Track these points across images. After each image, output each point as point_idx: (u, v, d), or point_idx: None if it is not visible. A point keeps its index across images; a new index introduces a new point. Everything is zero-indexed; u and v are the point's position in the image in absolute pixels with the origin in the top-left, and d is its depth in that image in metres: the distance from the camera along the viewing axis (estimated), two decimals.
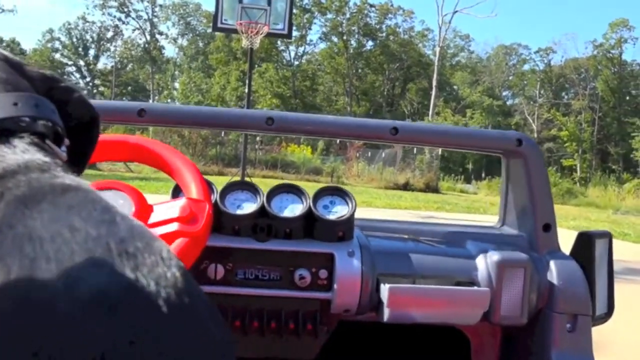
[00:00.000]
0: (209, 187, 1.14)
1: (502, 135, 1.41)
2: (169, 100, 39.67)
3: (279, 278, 1.20)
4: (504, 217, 1.49)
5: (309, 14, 37.80)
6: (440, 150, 19.83)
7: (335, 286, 1.19)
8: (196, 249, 0.99)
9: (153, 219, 1.01)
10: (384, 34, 39.18)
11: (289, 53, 39.94)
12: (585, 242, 1.36)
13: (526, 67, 41.63)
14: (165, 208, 1.02)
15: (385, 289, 1.17)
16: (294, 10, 36.19)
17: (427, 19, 66.04)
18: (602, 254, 1.36)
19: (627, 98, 38.32)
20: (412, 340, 1.54)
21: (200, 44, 41.45)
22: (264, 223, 1.21)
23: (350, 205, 1.26)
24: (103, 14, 37.49)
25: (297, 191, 1.26)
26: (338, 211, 1.25)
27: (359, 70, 39.40)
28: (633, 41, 37.64)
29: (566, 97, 39.99)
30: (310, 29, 39.00)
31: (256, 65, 36.15)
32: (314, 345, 1.27)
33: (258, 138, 19.66)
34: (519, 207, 1.42)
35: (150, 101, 36.98)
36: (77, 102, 0.65)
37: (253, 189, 1.25)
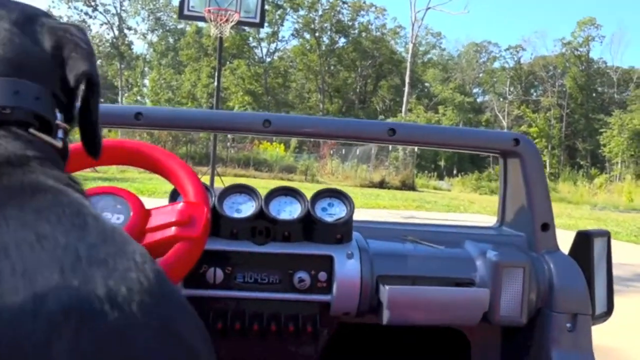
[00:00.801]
0: (206, 190, 1.14)
1: (500, 135, 1.42)
2: (138, 98, 38.90)
3: (278, 281, 1.20)
4: (502, 217, 1.48)
5: (281, 10, 37.48)
6: (416, 147, 19.84)
7: (334, 289, 1.19)
8: (195, 252, 0.98)
9: (151, 223, 1.00)
10: (357, 31, 39.14)
11: (261, 49, 39.62)
12: (584, 241, 1.35)
13: (496, 64, 42.16)
14: (163, 212, 1.01)
15: (384, 291, 1.16)
16: (266, 7, 35.97)
17: (399, 16, 66.46)
18: (601, 253, 1.36)
19: (594, 95, 39.09)
20: (412, 341, 1.54)
21: (171, 40, 40.67)
22: (262, 226, 1.20)
23: (348, 207, 1.25)
24: (69, 7, 36.45)
25: (295, 194, 1.26)
26: (336, 213, 1.24)
27: (332, 67, 39.29)
28: (600, 39, 38.46)
29: (535, 94, 40.58)
30: (282, 25, 38.69)
31: (227, 62, 35.75)
32: (315, 348, 1.27)
33: (230, 136, 19.36)
34: (517, 207, 1.41)
35: (119, 99, 36.23)
36: (73, 61, 0.60)
37: (251, 192, 1.25)
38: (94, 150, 0.63)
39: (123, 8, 37.61)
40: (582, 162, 36.11)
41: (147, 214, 1.02)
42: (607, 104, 38.55)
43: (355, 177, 19.46)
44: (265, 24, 38.11)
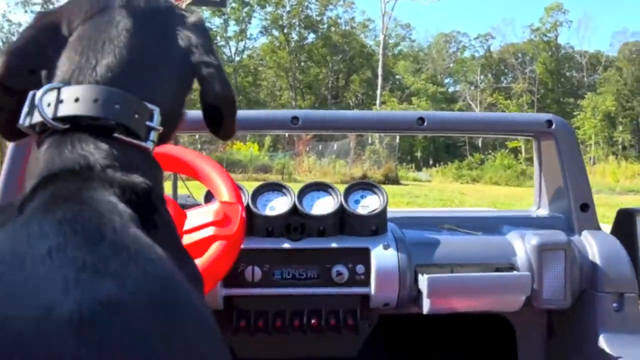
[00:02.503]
0: (239, 189, 1.15)
1: (532, 117, 1.43)
2: None
3: (317, 276, 1.20)
4: (540, 200, 1.46)
5: (248, 7, 36.84)
6: (398, 138, 19.47)
7: (373, 281, 1.18)
8: (233, 251, 1.00)
9: (188, 225, 1.01)
10: (325, 26, 38.72)
11: (229, 48, 38.91)
12: (627, 219, 1.36)
13: (467, 53, 42.18)
14: (199, 213, 1.03)
15: (424, 280, 1.15)
16: (232, 4, 35.35)
17: (368, 9, 66.26)
18: None
19: (563, 80, 39.40)
20: (455, 330, 1.53)
21: None
22: (296, 222, 1.21)
23: (381, 198, 1.25)
24: (26, 12, 35.18)
25: (327, 188, 1.26)
26: (370, 205, 1.24)
27: (302, 64, 38.85)
28: (568, 24, 38.74)
29: (505, 81, 40.73)
30: (250, 22, 38.06)
31: None
32: (356, 341, 1.27)
33: (197, 137, 18.77)
34: (554, 189, 1.40)
35: None
36: (206, 83, 0.64)
37: (283, 189, 1.25)
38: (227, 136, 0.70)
39: None
40: None
41: (183, 215, 1.03)
42: (577, 88, 38.91)
43: (334, 173, 18.92)
44: (233, 22, 37.76)
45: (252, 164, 19.97)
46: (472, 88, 40.21)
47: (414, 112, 1.36)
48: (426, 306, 1.16)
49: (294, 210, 1.21)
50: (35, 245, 0.42)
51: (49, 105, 0.53)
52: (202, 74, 0.63)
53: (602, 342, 1.20)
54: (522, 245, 1.23)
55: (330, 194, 1.25)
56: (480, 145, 35.34)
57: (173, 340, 0.41)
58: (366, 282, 1.19)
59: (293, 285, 1.19)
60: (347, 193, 1.25)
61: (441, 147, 35.45)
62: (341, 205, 1.21)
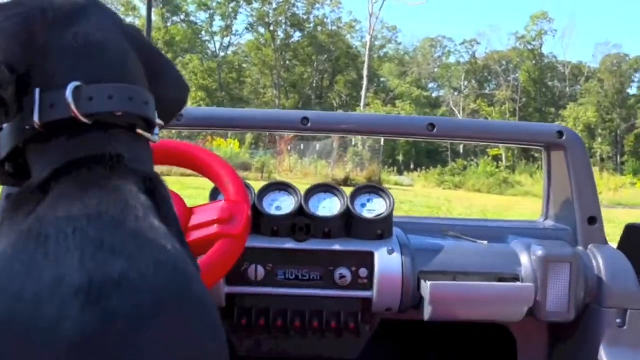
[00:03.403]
0: (246, 188, 1.15)
1: (543, 128, 1.43)
2: None
3: (320, 278, 1.21)
4: (547, 211, 1.45)
5: (234, 3, 36.42)
6: (382, 141, 19.27)
7: (376, 285, 1.19)
8: (237, 249, 1.00)
9: (193, 221, 1.02)
10: (312, 25, 38.47)
11: (214, 44, 38.46)
12: (634, 235, 1.37)
13: (452, 59, 42.29)
14: (205, 210, 1.03)
15: (426, 287, 1.15)
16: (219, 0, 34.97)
17: (355, 9, 66.05)
18: None
19: (544, 89, 39.74)
20: (456, 338, 1.53)
21: None
22: (302, 223, 1.21)
23: (388, 203, 1.24)
24: None
25: (334, 190, 1.26)
26: (376, 209, 1.24)
27: (287, 62, 38.55)
28: (552, 33, 39.05)
29: (488, 88, 40.94)
30: (235, 18, 37.65)
31: (179, 57, 34.54)
32: (357, 344, 1.27)
33: (174, 132, 18.39)
34: (562, 201, 1.39)
35: None
36: (174, 82, 0.70)
37: (290, 189, 1.26)
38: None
39: None
40: (536, 155, 36.63)
41: (189, 212, 1.04)
42: (559, 98, 39.27)
43: (316, 173, 18.54)
44: (218, 18, 37.36)
45: (232, 161, 19.57)
46: (456, 94, 40.33)
47: (425, 117, 1.36)
48: (428, 313, 1.16)
49: (299, 211, 1.21)
50: (61, 226, 0.46)
51: (76, 101, 0.56)
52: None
53: (604, 357, 1.19)
54: (527, 256, 1.22)
55: (337, 196, 1.25)
56: (461, 151, 35.43)
57: (173, 326, 0.44)
58: (369, 286, 1.19)
59: (296, 286, 1.20)
60: (354, 196, 1.25)
61: (423, 152, 35.46)
62: (347, 208, 1.22)
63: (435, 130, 1.27)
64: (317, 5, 38.10)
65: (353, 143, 20.14)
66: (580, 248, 1.29)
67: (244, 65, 39.24)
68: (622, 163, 35.50)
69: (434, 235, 1.32)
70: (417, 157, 35.71)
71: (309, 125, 1.27)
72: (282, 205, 1.23)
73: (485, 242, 1.29)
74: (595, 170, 22.81)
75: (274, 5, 36.91)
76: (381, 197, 1.26)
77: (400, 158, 34.92)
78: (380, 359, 1.49)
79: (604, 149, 35.72)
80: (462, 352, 1.58)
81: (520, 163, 29.85)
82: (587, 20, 56.61)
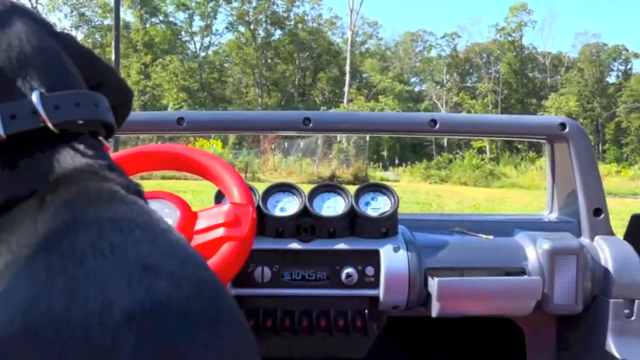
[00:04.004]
0: (250, 190, 1.15)
1: (545, 120, 1.46)
2: None
3: (326, 277, 1.21)
4: (552, 203, 1.46)
5: (213, 2, 36.14)
6: (368, 136, 19.14)
7: (382, 283, 1.19)
8: (243, 252, 1.01)
9: (199, 225, 1.02)
10: (292, 23, 38.32)
11: (194, 44, 38.12)
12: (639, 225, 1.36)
13: (433, 52, 42.39)
14: (210, 214, 1.03)
15: (433, 283, 1.16)
16: None
17: (335, 6, 66.05)
18: None
19: (525, 81, 40.02)
20: (464, 333, 1.54)
21: (98, 37, 38.41)
22: (307, 223, 1.22)
23: (392, 200, 1.25)
24: None
25: (338, 190, 1.27)
26: (380, 207, 1.24)
27: (269, 61, 38.41)
28: (532, 24, 39.32)
29: (470, 81, 41.13)
30: (215, 18, 37.38)
31: (159, 58, 34.16)
32: (365, 343, 1.28)
33: (157, 135, 18.09)
34: (566, 193, 1.39)
35: None
36: (115, 87, 0.66)
37: (294, 190, 1.26)
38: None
39: (39, 2, 35.06)
40: (519, 146, 36.87)
41: (194, 216, 1.04)
42: (539, 89, 39.57)
43: (301, 172, 18.39)
44: (198, 17, 37.01)
45: None
46: (438, 87, 40.45)
47: (427, 113, 1.35)
48: (435, 309, 1.17)
49: (304, 211, 1.22)
50: (95, 242, 0.44)
51: (39, 111, 0.53)
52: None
53: (613, 349, 1.19)
54: (534, 250, 1.22)
55: (341, 195, 1.26)
56: (445, 144, 35.53)
57: (223, 347, 0.43)
58: (375, 284, 1.20)
59: (302, 286, 1.20)
60: (358, 195, 1.25)
61: (407, 146, 35.52)
62: (352, 207, 1.22)
63: (438, 126, 1.27)
64: (297, 3, 37.98)
65: (338, 139, 20.02)
66: (586, 240, 1.29)
67: (225, 65, 39.01)
68: (604, 151, 35.91)
69: (439, 232, 1.32)
70: (401, 151, 35.77)
71: (311, 125, 1.27)
72: (286, 206, 1.24)
73: (491, 237, 1.29)
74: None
75: (254, 4, 36.70)
76: (385, 195, 1.26)
77: (385, 153, 34.95)
78: (388, 355, 1.49)
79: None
80: (470, 347, 1.58)
81: (504, 155, 30.00)
82: (567, 10, 57.21)
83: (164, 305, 0.41)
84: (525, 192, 15.51)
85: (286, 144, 21.29)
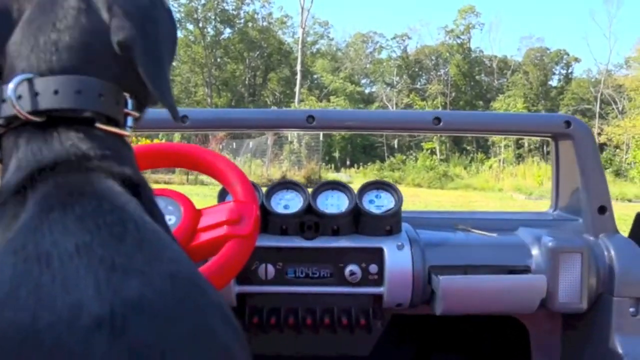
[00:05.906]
0: (254, 188, 1.15)
1: (550, 118, 1.50)
2: None
3: (330, 275, 1.21)
4: (556, 201, 1.44)
5: None
6: (321, 137, 18.73)
7: (386, 281, 1.19)
8: (247, 249, 1.01)
9: (202, 223, 1.03)
10: (242, 21, 37.58)
11: None
12: None
13: (384, 54, 42.56)
14: (214, 212, 1.04)
15: (437, 281, 1.16)
16: None
17: (285, 5, 65.39)
18: None
19: (472, 83, 40.72)
20: (469, 331, 1.54)
21: None
22: (311, 221, 1.22)
23: (396, 198, 1.25)
24: None
25: (342, 187, 1.27)
26: (384, 205, 1.25)
27: (218, 60, 37.48)
28: (480, 27, 40.03)
29: (420, 83, 41.51)
30: None
31: None
32: (369, 340, 1.30)
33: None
34: (571, 191, 1.38)
35: None
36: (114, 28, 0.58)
37: (298, 188, 1.27)
38: (173, 116, 0.63)
39: None
40: (468, 147, 37.44)
41: (198, 214, 1.04)
42: (487, 91, 40.34)
43: (250, 173, 17.68)
44: None
45: None
46: (389, 89, 40.61)
47: (430, 111, 1.42)
48: (439, 307, 1.16)
49: (308, 209, 1.22)
50: (60, 243, 0.42)
51: (20, 97, 0.51)
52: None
53: (618, 347, 1.18)
54: (538, 248, 1.22)
55: (345, 193, 1.25)
56: (396, 146, 35.67)
57: (204, 341, 0.41)
58: (379, 282, 1.19)
59: (306, 284, 1.20)
60: (362, 192, 1.25)
61: (358, 148, 35.42)
62: (355, 205, 1.22)
63: (442, 123, 1.27)
64: (247, 1, 37.29)
65: (289, 140, 19.53)
66: (591, 238, 1.29)
67: (173, 64, 37.84)
68: (548, 152, 36.91)
69: (443, 229, 1.32)
70: (353, 153, 35.64)
71: (315, 123, 1.27)
72: (290, 203, 1.24)
73: (495, 235, 1.29)
74: (536, 160, 23.31)
75: (203, 1, 35.76)
76: (389, 192, 1.25)
77: (337, 154, 34.72)
78: (391, 352, 1.51)
79: (531, 140, 37.05)
80: (474, 345, 1.58)
81: (453, 156, 30.29)
82: (513, 14, 58.77)
83: (135, 305, 0.39)
84: (485, 194, 15.45)
85: (234, 144, 20.57)
